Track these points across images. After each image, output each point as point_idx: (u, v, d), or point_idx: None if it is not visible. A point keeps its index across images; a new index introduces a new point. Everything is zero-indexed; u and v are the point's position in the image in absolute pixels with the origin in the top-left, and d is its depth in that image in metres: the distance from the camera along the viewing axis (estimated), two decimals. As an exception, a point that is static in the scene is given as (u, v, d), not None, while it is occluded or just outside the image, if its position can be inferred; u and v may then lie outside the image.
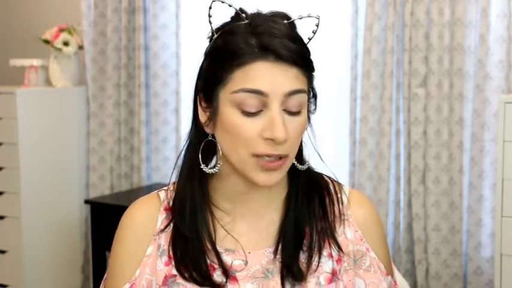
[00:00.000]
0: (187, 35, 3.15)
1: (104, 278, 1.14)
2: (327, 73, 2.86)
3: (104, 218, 3.00)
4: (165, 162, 3.25)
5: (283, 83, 0.97)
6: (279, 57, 0.97)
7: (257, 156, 0.98)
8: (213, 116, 1.02)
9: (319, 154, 1.12)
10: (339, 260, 1.08)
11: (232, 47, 0.98)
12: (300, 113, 1.00)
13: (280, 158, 0.99)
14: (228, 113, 0.99)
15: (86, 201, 3.14)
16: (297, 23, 1.05)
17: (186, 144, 1.09)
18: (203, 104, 1.04)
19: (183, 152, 1.09)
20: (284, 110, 0.99)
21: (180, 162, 1.10)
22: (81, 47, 3.31)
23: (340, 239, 1.09)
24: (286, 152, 0.99)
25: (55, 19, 3.44)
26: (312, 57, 1.03)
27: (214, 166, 1.06)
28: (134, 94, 3.25)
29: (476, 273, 2.62)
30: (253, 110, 0.97)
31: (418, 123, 2.66)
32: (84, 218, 3.38)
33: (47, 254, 3.24)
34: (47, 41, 3.23)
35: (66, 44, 3.23)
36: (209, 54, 1.03)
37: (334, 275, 1.06)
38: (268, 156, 0.98)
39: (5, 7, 3.75)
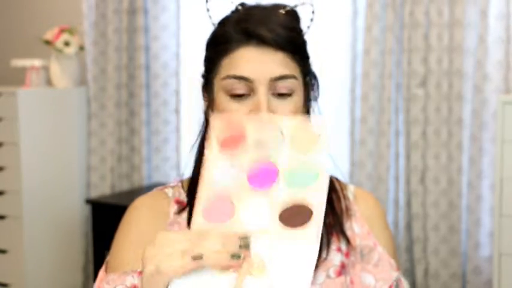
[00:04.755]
0: (188, 35, 3.16)
1: (104, 263, 1.10)
2: (327, 73, 2.88)
3: (105, 217, 3.01)
4: (166, 162, 3.26)
5: (268, 68, 0.98)
6: (262, 41, 0.98)
7: None
8: (211, 104, 1.05)
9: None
10: (347, 254, 1.09)
11: (219, 36, 1.02)
12: (291, 96, 1.00)
13: None
14: (220, 99, 1.01)
15: (87, 201, 3.15)
16: (300, 18, 1.06)
17: (200, 134, 1.12)
18: (204, 93, 1.08)
19: (198, 141, 1.11)
20: (273, 94, 0.99)
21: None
22: (82, 48, 3.32)
23: (348, 233, 1.10)
24: None
25: (56, 20, 3.45)
26: (305, 44, 1.04)
27: None
28: (135, 94, 3.26)
29: (475, 273, 2.64)
30: (240, 94, 0.99)
31: (417, 123, 2.67)
32: (85, 217, 3.39)
33: (48, 254, 3.25)
34: (48, 42, 3.24)
35: (67, 44, 3.24)
36: (206, 45, 1.06)
37: (343, 268, 1.08)
38: None
39: (7, 8, 3.76)
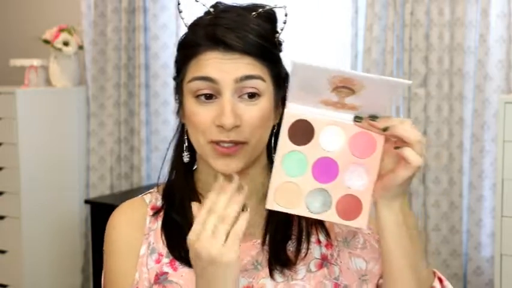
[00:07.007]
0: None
1: (102, 278, 1.13)
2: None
3: (104, 218, 2.94)
4: (165, 162, 3.24)
5: (233, 69, 0.98)
6: (229, 47, 0.98)
7: (213, 142, 1.00)
8: (180, 107, 1.07)
9: None
10: (328, 245, 1.09)
11: (188, 40, 1.03)
12: (259, 99, 1.00)
13: (237, 144, 1.00)
14: (187, 102, 1.02)
15: (86, 201, 3.14)
16: (280, 17, 1.06)
17: (175, 137, 1.13)
18: (176, 96, 1.09)
19: (172, 145, 1.14)
20: (240, 97, 0.99)
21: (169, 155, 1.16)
22: (81, 47, 3.31)
23: (327, 224, 1.11)
24: (242, 138, 1.00)
25: (55, 19, 3.44)
26: (277, 47, 1.04)
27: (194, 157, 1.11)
28: (134, 94, 3.25)
29: (476, 273, 2.63)
30: (206, 98, 1.00)
31: (418, 123, 2.66)
32: (84, 218, 3.38)
33: (47, 254, 3.24)
34: (47, 41, 3.23)
35: (66, 44, 3.23)
36: (177, 48, 1.07)
37: (324, 260, 1.08)
38: (222, 142, 0.99)
39: (5, 7, 3.75)
